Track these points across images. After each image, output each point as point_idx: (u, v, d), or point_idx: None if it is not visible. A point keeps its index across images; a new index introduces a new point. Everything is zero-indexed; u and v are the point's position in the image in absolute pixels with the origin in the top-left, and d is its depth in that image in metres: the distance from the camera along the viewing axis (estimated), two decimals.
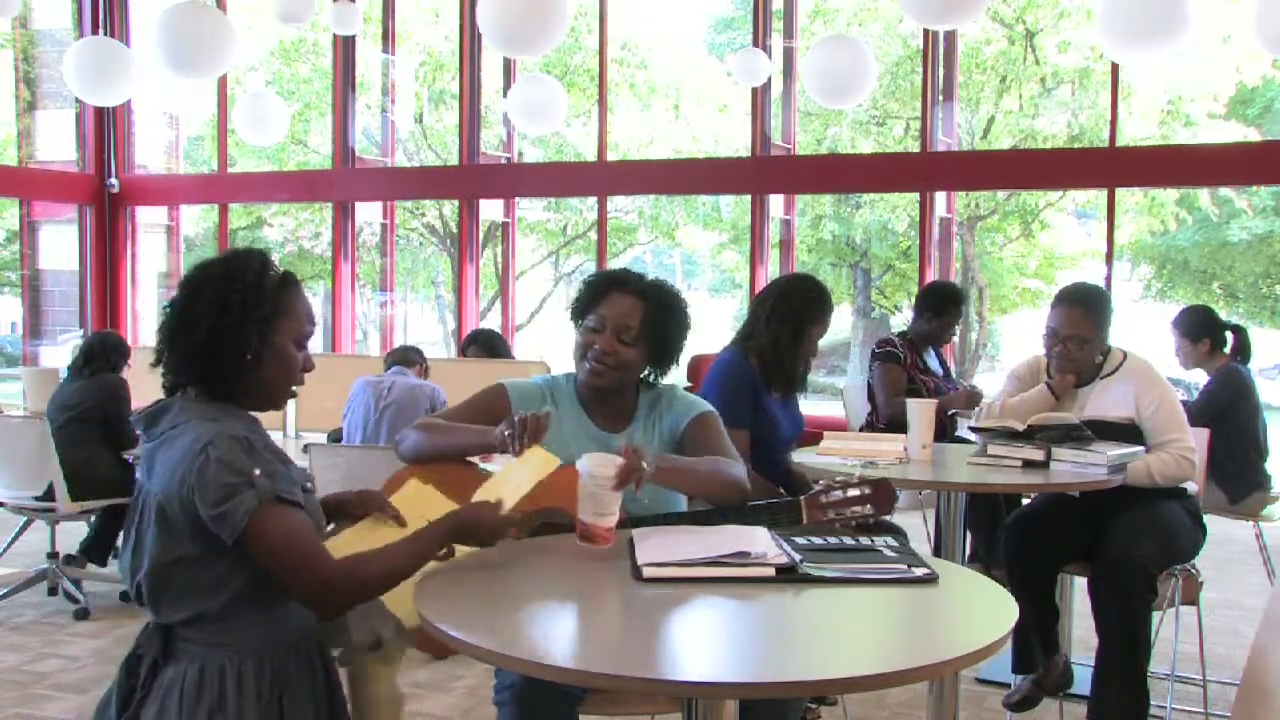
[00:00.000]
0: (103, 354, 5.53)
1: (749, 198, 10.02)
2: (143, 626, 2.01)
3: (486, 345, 5.85)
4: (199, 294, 1.97)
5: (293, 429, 5.94)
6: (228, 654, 1.92)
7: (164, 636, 1.95)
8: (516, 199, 11.05)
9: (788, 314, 3.74)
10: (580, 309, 2.71)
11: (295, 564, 1.87)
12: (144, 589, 1.96)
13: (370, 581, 1.93)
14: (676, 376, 2.91)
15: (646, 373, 2.73)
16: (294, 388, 2.06)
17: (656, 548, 2.10)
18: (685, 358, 2.87)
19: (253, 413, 2.05)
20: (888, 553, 2.16)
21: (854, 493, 2.45)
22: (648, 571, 1.99)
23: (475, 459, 2.61)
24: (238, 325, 1.95)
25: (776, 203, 9.97)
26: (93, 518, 5.57)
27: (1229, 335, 5.29)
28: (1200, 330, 5.26)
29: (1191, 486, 3.71)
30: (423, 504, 2.24)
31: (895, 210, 16.83)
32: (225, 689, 1.91)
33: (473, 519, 2.06)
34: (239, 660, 1.93)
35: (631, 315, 2.63)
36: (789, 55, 10.12)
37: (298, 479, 1.98)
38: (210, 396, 1.99)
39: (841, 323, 19.08)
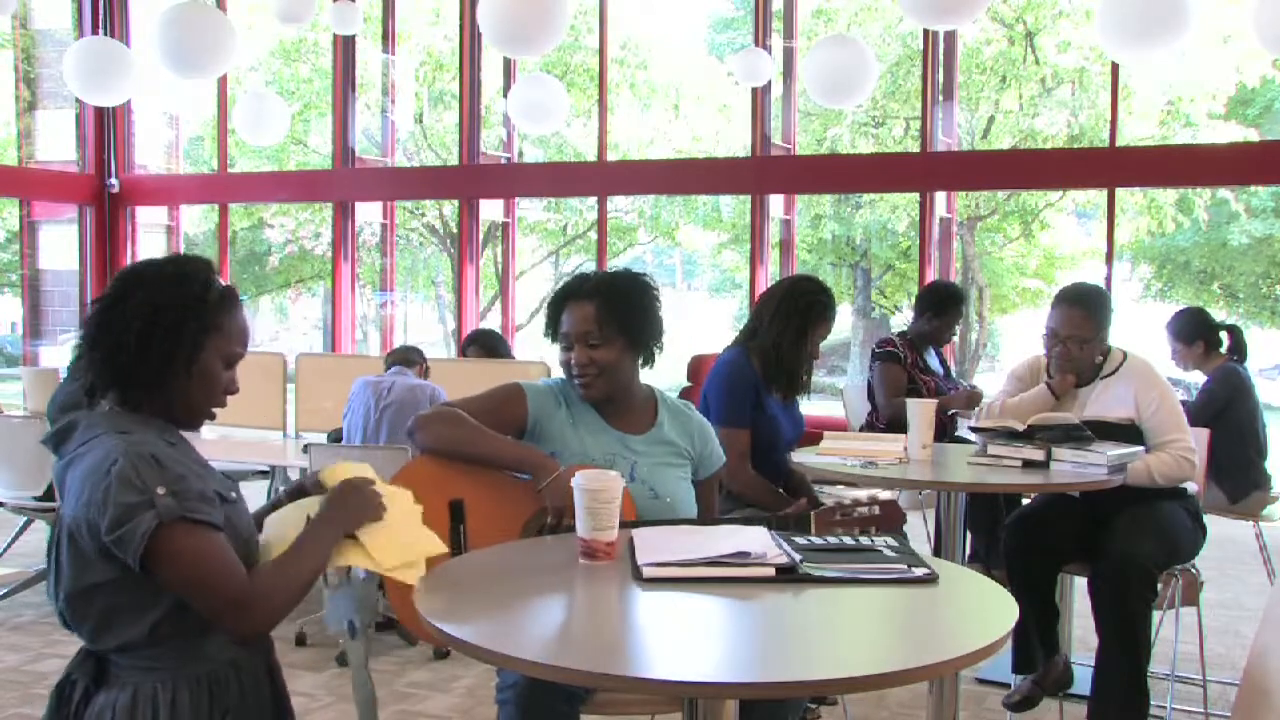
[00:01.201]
0: None
1: (749, 198, 10.03)
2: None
3: (486, 345, 5.85)
4: (132, 293, 1.86)
5: (293, 429, 5.94)
6: (160, 678, 1.82)
7: (96, 661, 1.85)
8: (516, 199, 11.05)
9: (791, 315, 3.74)
10: (550, 331, 2.73)
11: (203, 587, 1.76)
12: (66, 617, 1.86)
13: (284, 597, 1.83)
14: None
15: (640, 361, 2.71)
16: (214, 410, 1.96)
17: (656, 548, 2.10)
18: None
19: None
20: (888, 553, 2.16)
21: (863, 512, 2.45)
22: (648, 571, 1.99)
23: None
24: (169, 332, 1.84)
25: (776, 203, 9.97)
26: None
27: (1224, 336, 5.30)
28: (1193, 333, 5.27)
29: (1191, 486, 3.71)
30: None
31: (895, 210, 16.84)
32: (158, 714, 1.81)
33: (346, 505, 1.96)
34: (172, 685, 1.82)
35: (588, 319, 2.62)
36: (789, 55, 10.12)
37: (220, 490, 1.87)
38: (127, 405, 1.88)
39: (841, 323, 19.08)
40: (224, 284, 1.94)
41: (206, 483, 1.86)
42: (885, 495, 2.70)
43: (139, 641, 1.81)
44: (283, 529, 1.98)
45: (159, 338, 1.84)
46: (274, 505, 2.13)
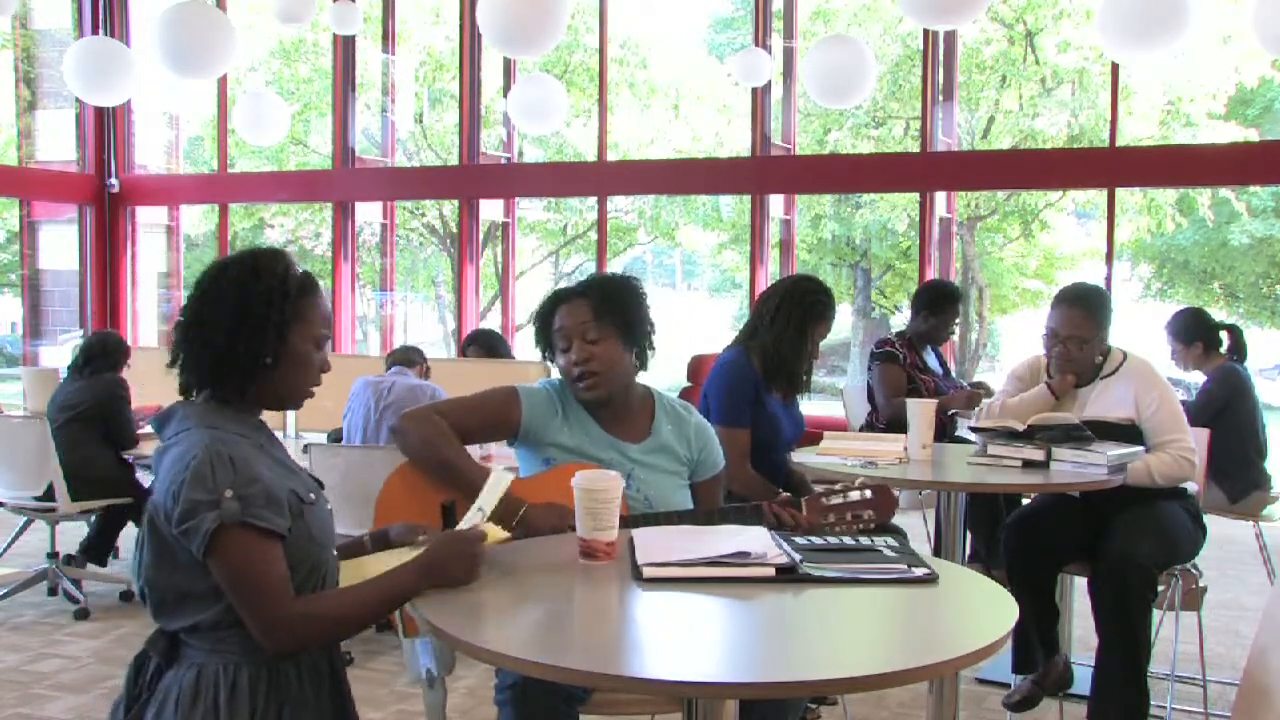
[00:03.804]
0: (103, 354, 5.53)
1: (749, 198, 10.02)
2: (150, 626, 1.99)
3: (486, 345, 5.85)
4: (219, 294, 1.93)
5: (293, 429, 5.94)
6: (223, 661, 1.89)
7: (169, 639, 1.93)
8: (516, 199, 11.05)
9: (791, 314, 3.74)
10: (543, 340, 2.74)
11: (246, 595, 1.82)
12: (145, 595, 1.94)
13: (325, 628, 1.88)
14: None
15: (634, 362, 2.71)
16: (312, 390, 2.03)
17: (656, 548, 2.09)
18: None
19: (266, 410, 2.01)
20: (888, 553, 2.16)
21: (855, 496, 2.45)
22: (648, 571, 1.99)
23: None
24: (257, 329, 1.91)
25: (776, 203, 9.97)
26: (93, 518, 5.57)
27: (1224, 336, 5.29)
28: (1192, 333, 5.27)
29: (1191, 486, 3.71)
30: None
31: (895, 210, 16.83)
32: (219, 696, 1.87)
33: (443, 558, 1.95)
34: (234, 668, 1.89)
35: (583, 315, 2.65)
36: (789, 55, 10.12)
37: (299, 491, 1.92)
38: (222, 399, 1.95)
39: (841, 323, 19.06)
40: (301, 271, 2.00)
41: (285, 485, 1.90)
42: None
43: (206, 624, 1.88)
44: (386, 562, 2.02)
45: (245, 335, 1.91)
46: (352, 545, 2.17)
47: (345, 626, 1.91)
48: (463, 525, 2.09)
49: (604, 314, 2.64)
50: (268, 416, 2.04)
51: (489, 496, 2.17)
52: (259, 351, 1.92)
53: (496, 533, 2.12)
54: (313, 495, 1.97)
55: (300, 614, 1.85)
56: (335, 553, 2.06)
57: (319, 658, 1.98)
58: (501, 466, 2.29)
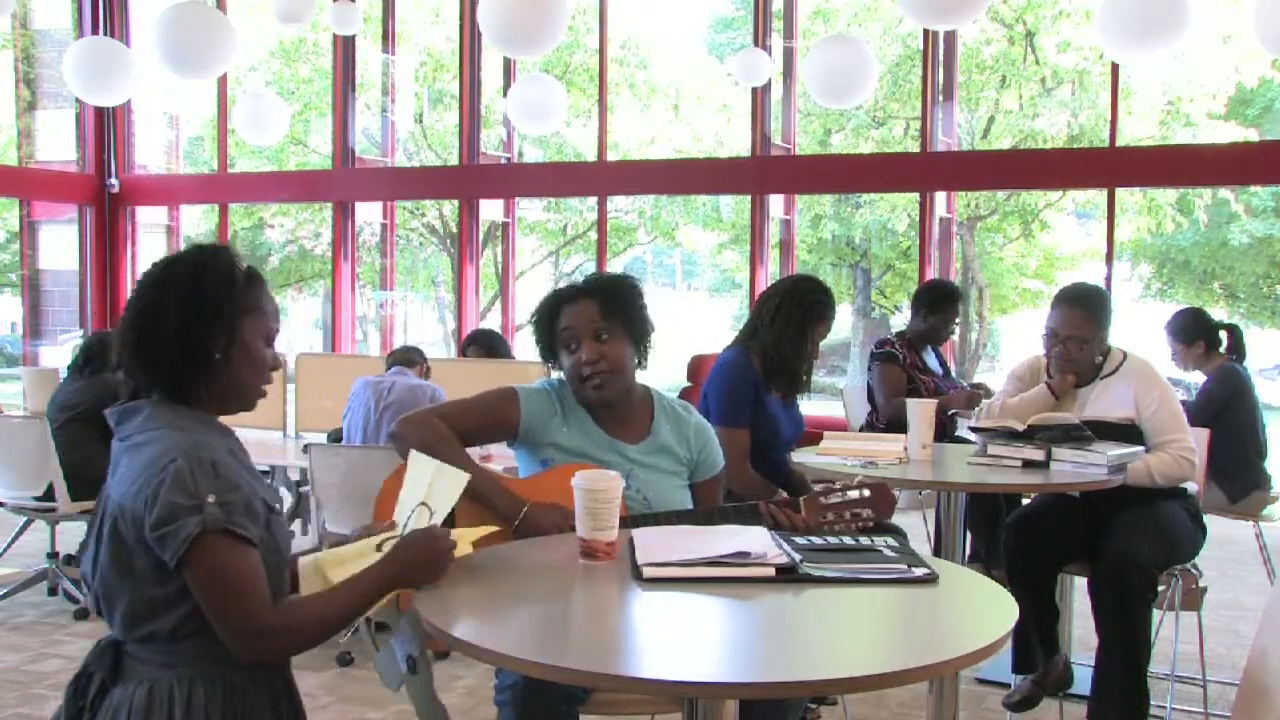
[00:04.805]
0: (102, 354, 5.53)
1: (749, 198, 10.03)
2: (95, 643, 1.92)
3: (486, 345, 5.85)
4: (165, 291, 1.87)
5: (293, 429, 5.94)
6: (177, 675, 1.82)
7: (114, 655, 1.86)
8: (516, 199, 11.06)
9: (791, 314, 3.74)
10: (546, 341, 2.70)
11: (225, 605, 1.76)
12: (99, 598, 1.87)
13: (304, 635, 1.83)
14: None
15: (637, 361, 2.71)
16: (264, 389, 1.97)
17: (656, 548, 2.09)
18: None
19: (225, 417, 1.95)
20: (888, 553, 2.16)
21: (853, 495, 2.45)
22: (648, 571, 1.99)
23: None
24: (207, 324, 1.86)
25: (776, 203, 9.98)
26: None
27: (1223, 335, 5.30)
28: (1192, 333, 5.27)
29: (1191, 486, 3.71)
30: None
31: (895, 210, 16.83)
32: (174, 712, 1.80)
33: (411, 558, 1.94)
34: (189, 682, 1.82)
35: (591, 315, 2.62)
36: (789, 55, 10.12)
37: (268, 500, 1.88)
38: (176, 400, 1.88)
39: (841, 323, 19.07)
40: (247, 265, 1.97)
41: (257, 493, 1.86)
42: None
43: (164, 634, 1.82)
44: (341, 558, 1.99)
45: (198, 329, 1.86)
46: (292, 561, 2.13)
47: (323, 631, 1.86)
48: (411, 526, 2.04)
49: (612, 314, 2.62)
50: (266, 416, 2.02)
51: (441, 499, 2.12)
52: (210, 348, 1.87)
53: (468, 543, 2.10)
54: (277, 504, 1.93)
55: (280, 622, 1.80)
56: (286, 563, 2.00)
57: (271, 675, 1.93)
58: (501, 468, 2.28)
